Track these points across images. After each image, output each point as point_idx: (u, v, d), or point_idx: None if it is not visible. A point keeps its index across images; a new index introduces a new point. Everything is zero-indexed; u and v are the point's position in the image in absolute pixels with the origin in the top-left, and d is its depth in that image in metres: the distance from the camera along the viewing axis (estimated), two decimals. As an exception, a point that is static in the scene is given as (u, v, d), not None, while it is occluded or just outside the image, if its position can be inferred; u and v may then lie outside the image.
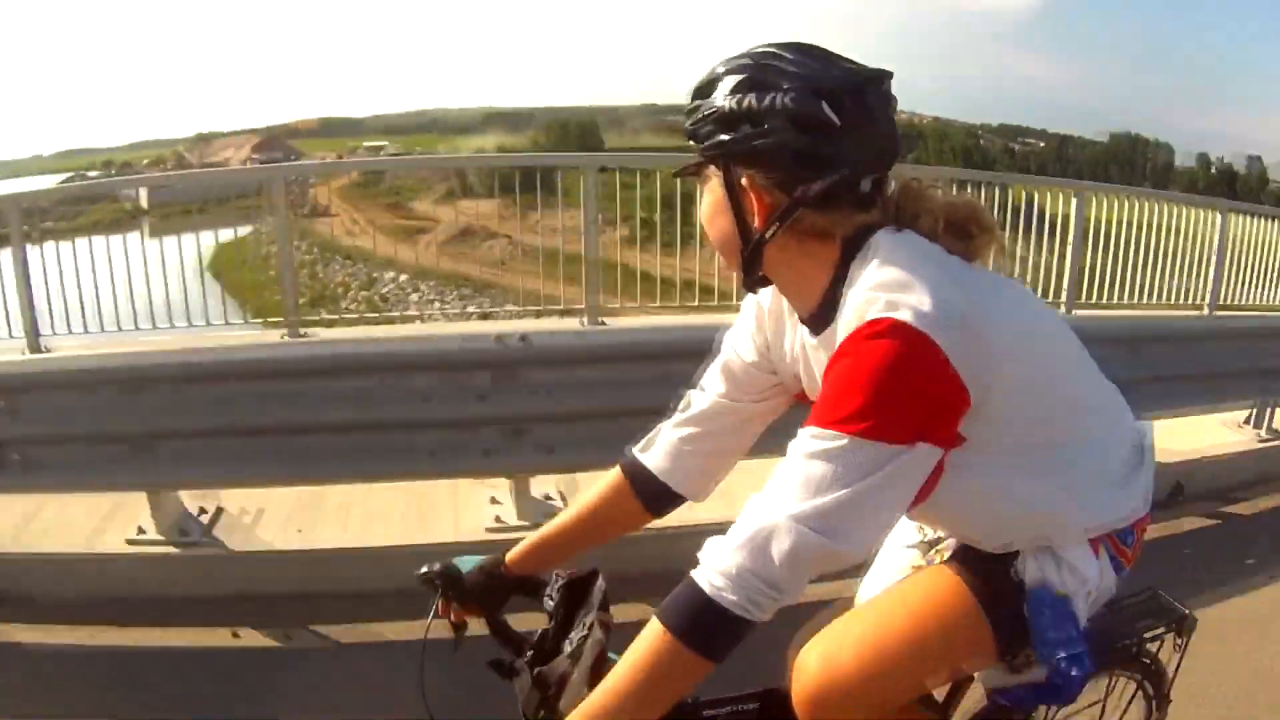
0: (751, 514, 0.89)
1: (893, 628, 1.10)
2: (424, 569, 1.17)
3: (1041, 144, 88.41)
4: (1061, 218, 4.62)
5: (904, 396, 0.86)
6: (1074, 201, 4.33)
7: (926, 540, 1.26)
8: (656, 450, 1.15)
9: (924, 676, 1.16)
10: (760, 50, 0.95)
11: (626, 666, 0.89)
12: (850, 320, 0.90)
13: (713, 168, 0.98)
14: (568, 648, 1.05)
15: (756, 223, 0.97)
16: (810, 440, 0.87)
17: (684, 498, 1.16)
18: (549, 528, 1.20)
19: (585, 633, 1.04)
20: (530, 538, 1.19)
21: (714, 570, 0.88)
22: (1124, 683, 1.41)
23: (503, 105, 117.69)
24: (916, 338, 0.85)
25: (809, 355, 1.05)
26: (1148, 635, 1.32)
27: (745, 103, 0.92)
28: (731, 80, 0.94)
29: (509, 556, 1.19)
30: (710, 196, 1.00)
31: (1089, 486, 1.08)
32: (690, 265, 3.94)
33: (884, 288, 0.89)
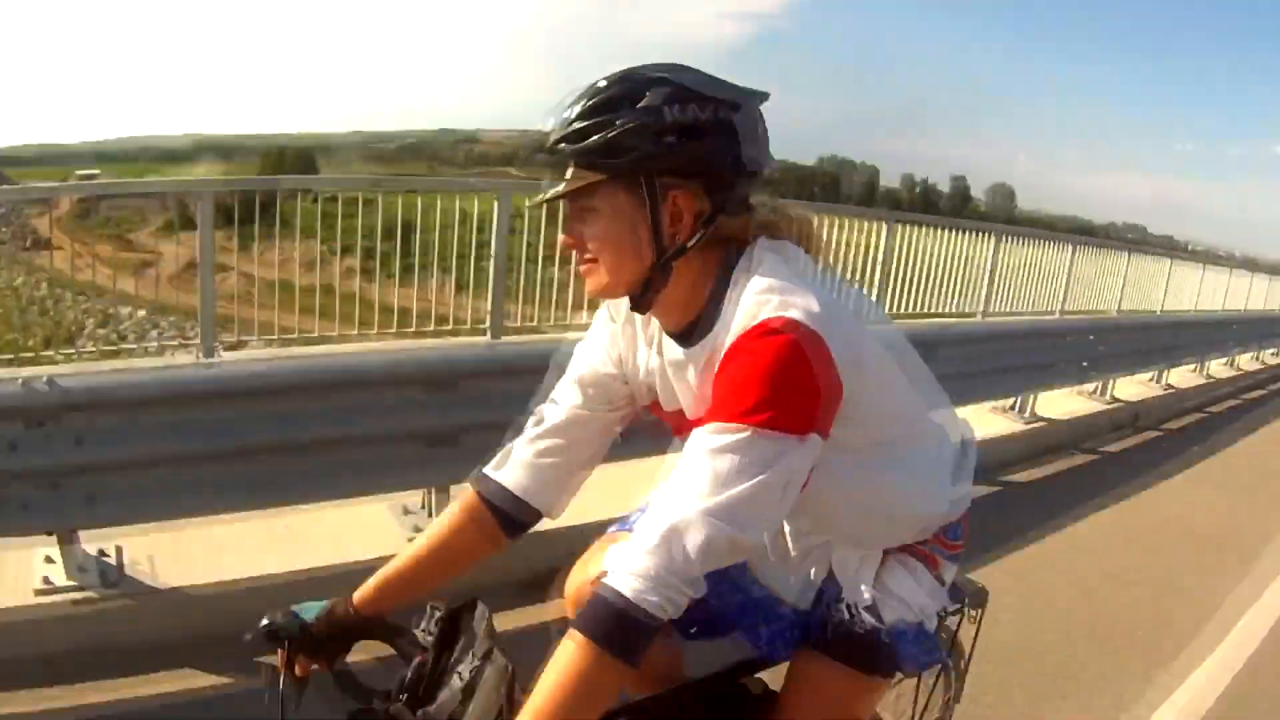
0: (659, 514, 0.89)
1: None
2: (265, 621, 1.07)
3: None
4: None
5: (799, 389, 0.90)
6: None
7: None
8: (512, 467, 1.12)
9: None
10: (661, 66, 0.97)
11: (552, 686, 0.86)
12: (742, 321, 0.94)
13: (616, 183, 0.96)
14: (457, 682, 0.99)
15: (680, 235, 0.98)
16: (713, 436, 0.90)
17: (541, 515, 1.14)
18: (398, 562, 1.12)
19: (478, 664, 0.99)
20: (376, 576, 1.12)
21: (630, 575, 0.87)
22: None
23: (213, 133, 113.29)
24: (809, 334, 0.91)
25: (668, 370, 1.08)
26: (949, 611, 1.34)
27: (684, 114, 0.94)
28: (660, 93, 0.94)
29: (356, 598, 1.11)
30: (612, 213, 0.97)
31: (932, 480, 1.20)
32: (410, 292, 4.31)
33: (775, 290, 0.94)
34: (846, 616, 1.18)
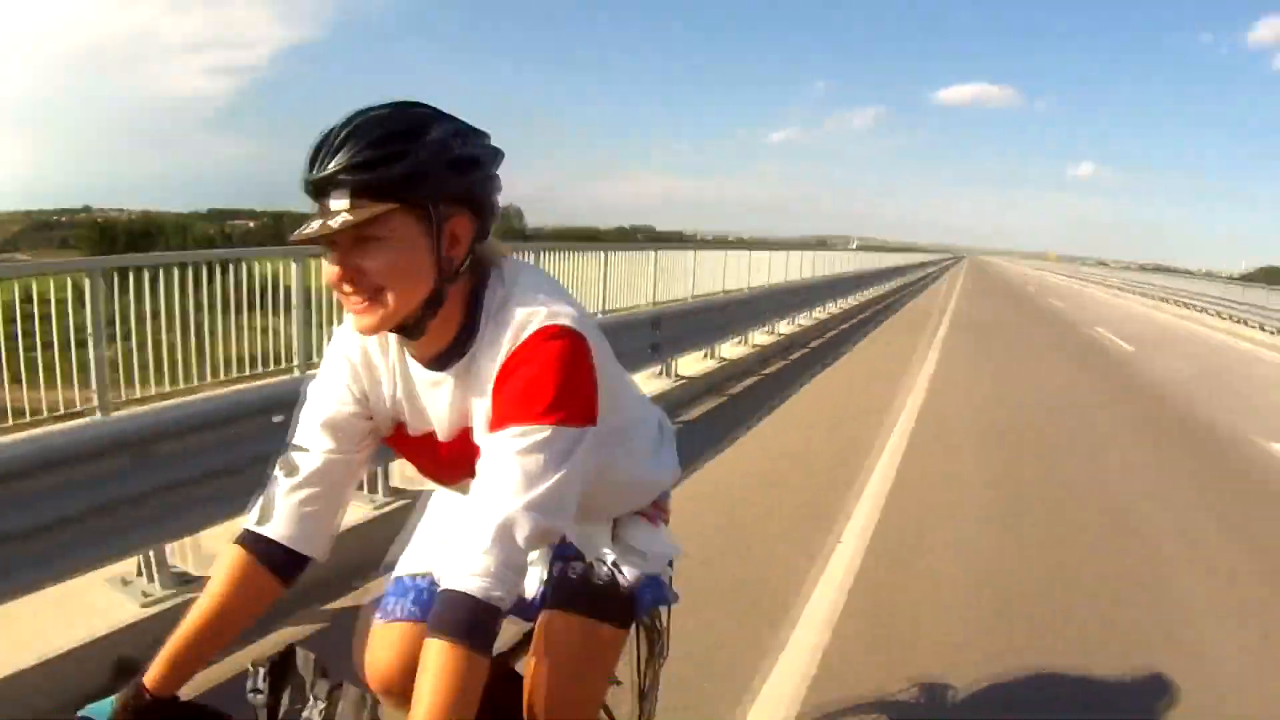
0: (484, 515, 0.97)
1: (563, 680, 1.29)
2: None
3: (253, 223, 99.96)
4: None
5: (579, 386, 1.02)
6: (294, 267, 5.49)
7: None
8: (278, 520, 1.12)
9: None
10: (411, 102, 1.03)
11: (432, 692, 0.90)
12: (514, 331, 1.03)
13: (406, 212, 0.99)
14: None
15: (455, 260, 1.04)
16: (516, 438, 0.99)
17: (311, 559, 1.15)
18: (181, 635, 1.06)
19: (322, 704, 1.02)
20: (164, 651, 1.05)
21: (473, 574, 0.94)
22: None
23: None
24: (578, 338, 1.03)
25: (418, 393, 1.14)
26: (673, 560, 1.48)
27: (465, 147, 1.02)
28: (444, 127, 1.00)
29: (148, 682, 1.03)
30: (400, 241, 0.99)
31: (655, 454, 1.40)
32: None
33: (542, 301, 1.05)
34: (584, 571, 1.33)
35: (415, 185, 0.98)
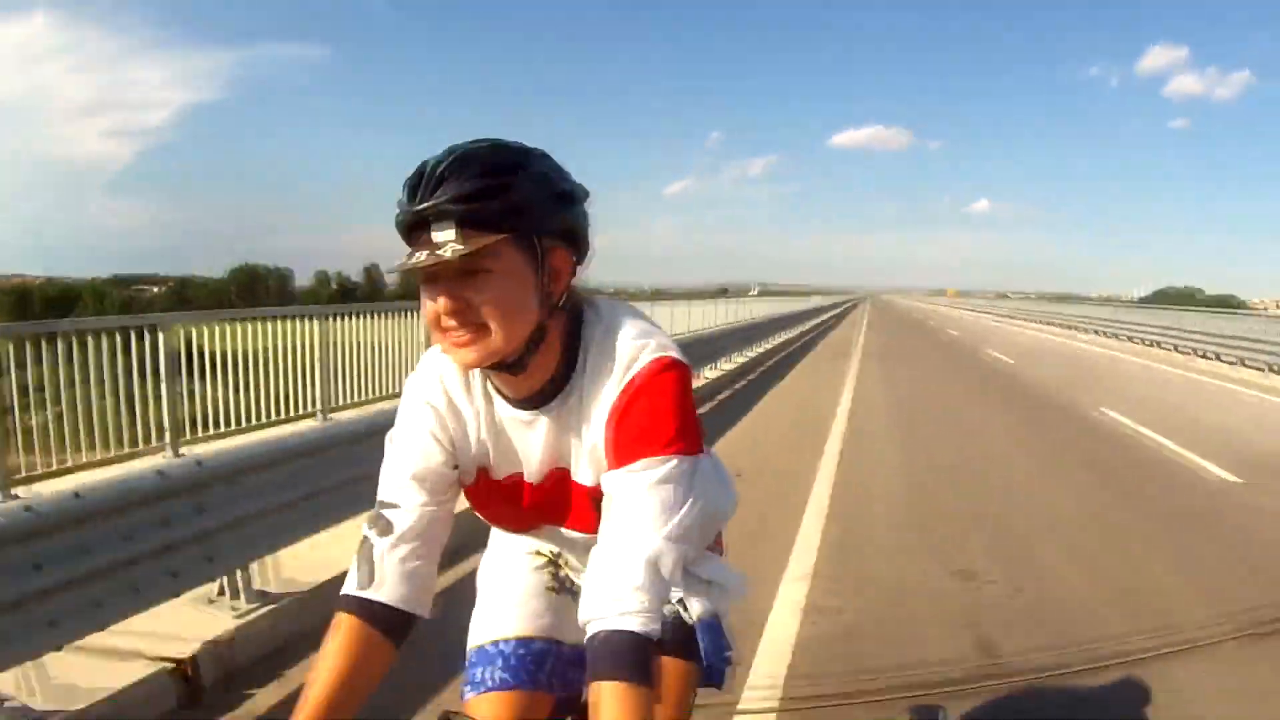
0: (628, 551, 0.95)
1: None
2: None
3: (156, 288, 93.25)
4: (221, 352, 5.95)
5: (692, 415, 1.02)
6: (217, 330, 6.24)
7: (549, 558, 1.37)
8: (385, 582, 1.06)
9: None
10: (515, 142, 1.01)
11: None
12: (624, 366, 1.01)
13: (513, 244, 0.96)
14: None
15: (554, 293, 1.02)
16: (647, 471, 0.98)
17: (418, 618, 1.09)
18: (312, 709, 0.98)
19: None
20: None
21: (629, 613, 0.93)
22: None
23: None
24: (685, 368, 1.03)
25: (510, 432, 1.11)
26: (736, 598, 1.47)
27: (563, 182, 1.01)
28: (541, 161, 1.00)
29: None
30: (507, 273, 0.97)
31: (722, 485, 1.41)
32: None
33: (646, 335, 1.04)
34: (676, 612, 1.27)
35: (521, 217, 0.96)
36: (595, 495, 1.07)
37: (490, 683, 1.25)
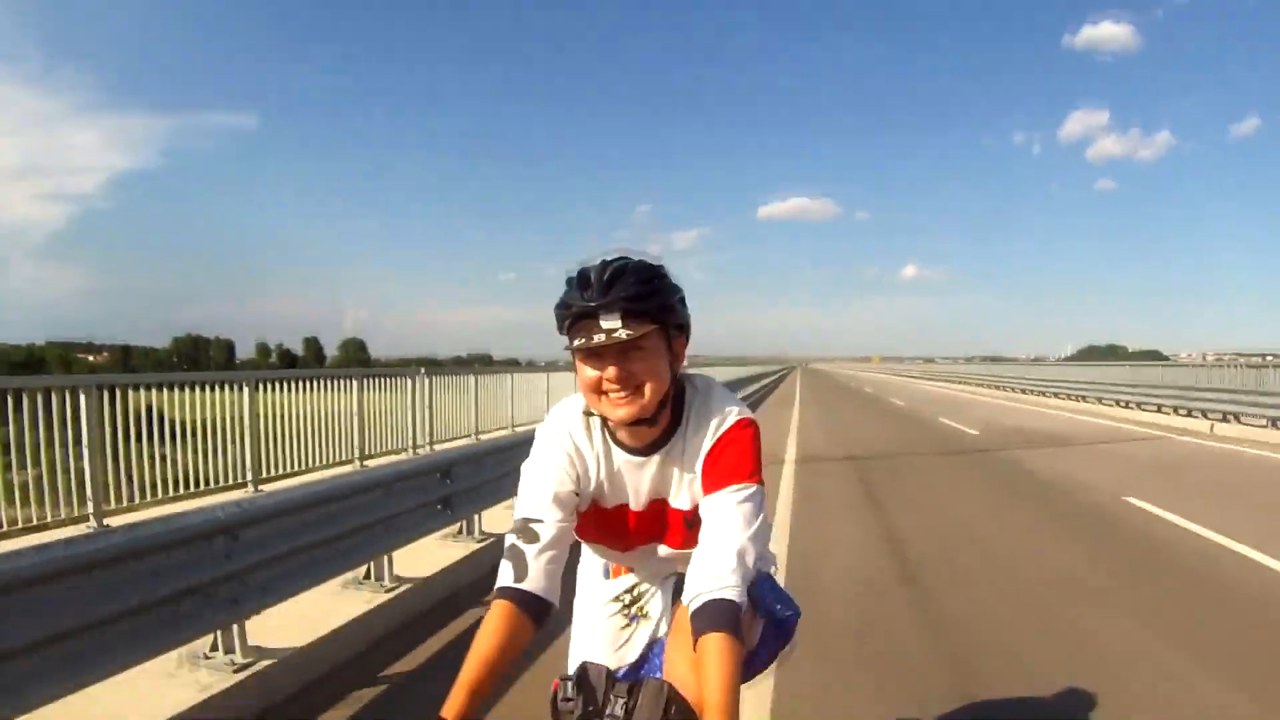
0: (724, 546, 1.31)
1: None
2: None
3: (92, 356, 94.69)
4: (188, 420, 5.98)
5: (761, 457, 1.42)
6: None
7: (626, 597, 1.71)
8: (533, 578, 1.34)
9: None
10: (653, 260, 1.38)
11: (719, 668, 1.19)
12: (718, 421, 1.43)
13: (656, 331, 1.34)
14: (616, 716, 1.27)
15: (677, 368, 1.43)
16: (735, 493, 1.36)
17: (554, 605, 1.37)
18: (468, 673, 1.23)
19: (625, 699, 1.27)
20: (458, 689, 1.22)
21: (727, 587, 1.26)
22: None
23: None
24: (757, 426, 1.46)
25: (624, 472, 1.48)
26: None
27: (679, 289, 1.41)
28: (666, 273, 1.38)
29: (451, 715, 1.20)
30: (654, 351, 1.35)
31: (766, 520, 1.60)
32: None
33: (732, 401, 1.47)
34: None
35: (664, 313, 1.35)
36: (688, 517, 1.46)
37: None
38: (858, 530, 6.15)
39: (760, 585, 1.41)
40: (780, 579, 3.20)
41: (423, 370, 9.21)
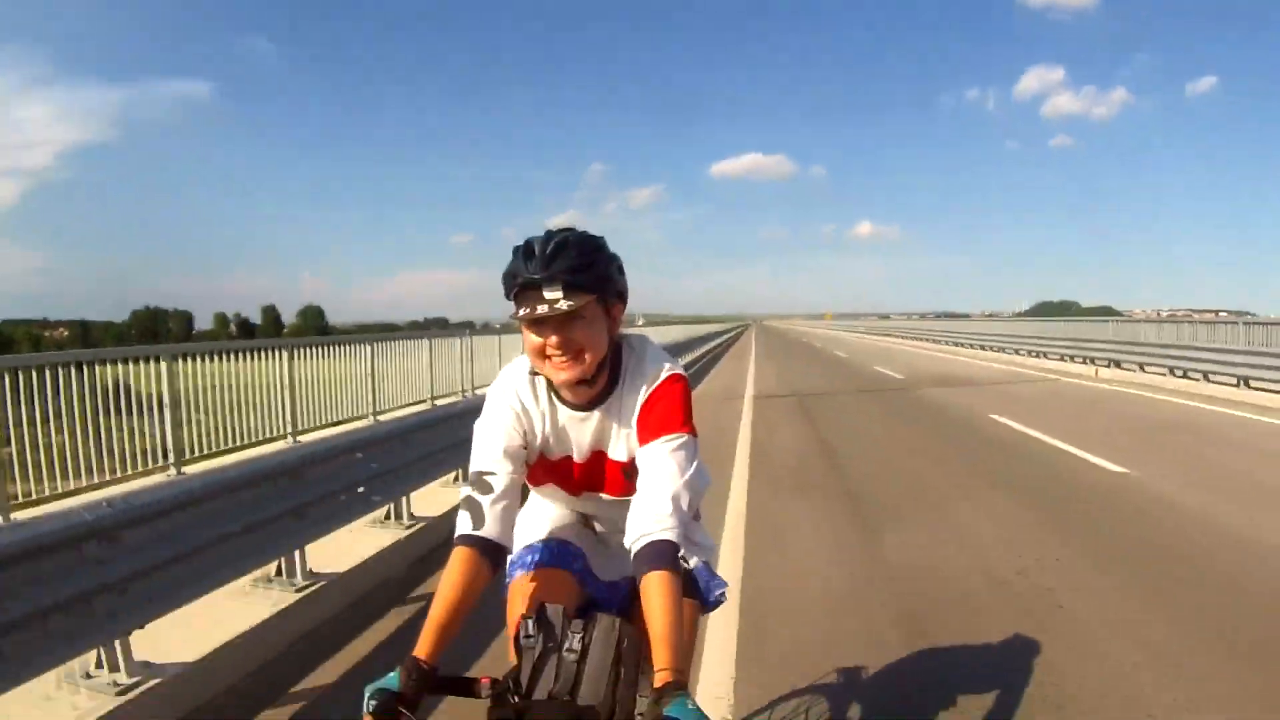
0: (661, 491, 1.37)
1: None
2: (372, 706, 1.16)
3: (48, 332, 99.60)
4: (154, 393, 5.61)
5: (691, 409, 1.50)
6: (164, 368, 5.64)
7: (582, 515, 1.77)
8: (489, 525, 1.40)
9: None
10: (594, 234, 1.45)
11: (662, 603, 1.26)
12: (650, 377, 1.50)
13: (598, 301, 1.41)
14: (569, 656, 1.25)
15: (613, 333, 1.49)
16: (668, 442, 1.43)
17: (507, 550, 1.45)
18: (435, 616, 1.30)
19: (580, 634, 1.27)
20: (428, 629, 1.28)
21: (667, 529, 1.33)
22: None
23: None
24: (687, 380, 1.54)
25: (566, 427, 1.55)
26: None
27: (617, 259, 1.47)
28: (606, 245, 1.45)
29: (422, 654, 1.25)
30: (594, 320, 1.41)
31: (702, 464, 1.62)
32: None
33: (662, 360, 1.54)
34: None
35: (603, 284, 1.42)
36: (626, 468, 1.54)
37: (529, 564, 1.65)
38: (797, 431, 9.53)
39: (699, 571, 1.65)
40: (745, 455, 7.90)
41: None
